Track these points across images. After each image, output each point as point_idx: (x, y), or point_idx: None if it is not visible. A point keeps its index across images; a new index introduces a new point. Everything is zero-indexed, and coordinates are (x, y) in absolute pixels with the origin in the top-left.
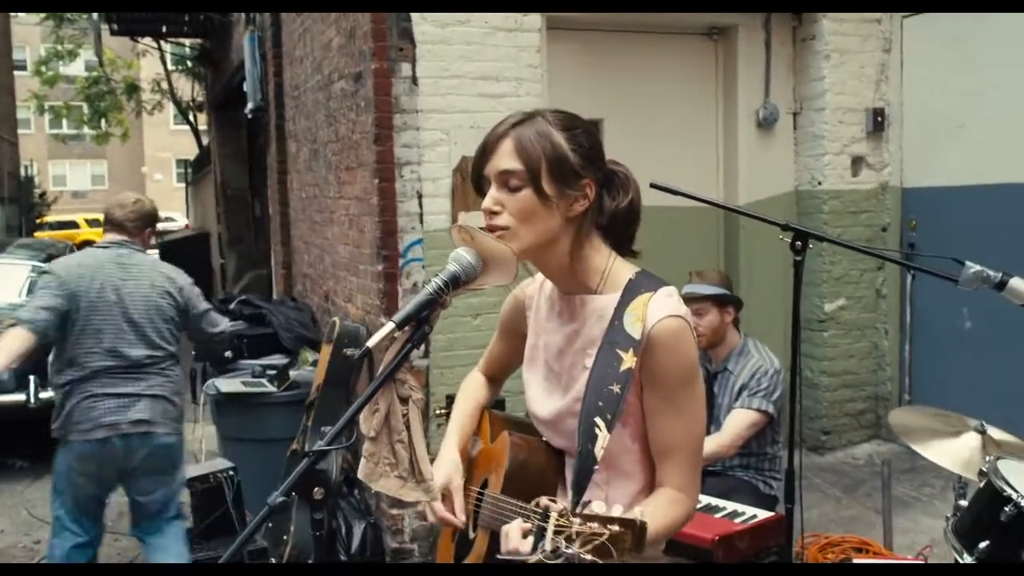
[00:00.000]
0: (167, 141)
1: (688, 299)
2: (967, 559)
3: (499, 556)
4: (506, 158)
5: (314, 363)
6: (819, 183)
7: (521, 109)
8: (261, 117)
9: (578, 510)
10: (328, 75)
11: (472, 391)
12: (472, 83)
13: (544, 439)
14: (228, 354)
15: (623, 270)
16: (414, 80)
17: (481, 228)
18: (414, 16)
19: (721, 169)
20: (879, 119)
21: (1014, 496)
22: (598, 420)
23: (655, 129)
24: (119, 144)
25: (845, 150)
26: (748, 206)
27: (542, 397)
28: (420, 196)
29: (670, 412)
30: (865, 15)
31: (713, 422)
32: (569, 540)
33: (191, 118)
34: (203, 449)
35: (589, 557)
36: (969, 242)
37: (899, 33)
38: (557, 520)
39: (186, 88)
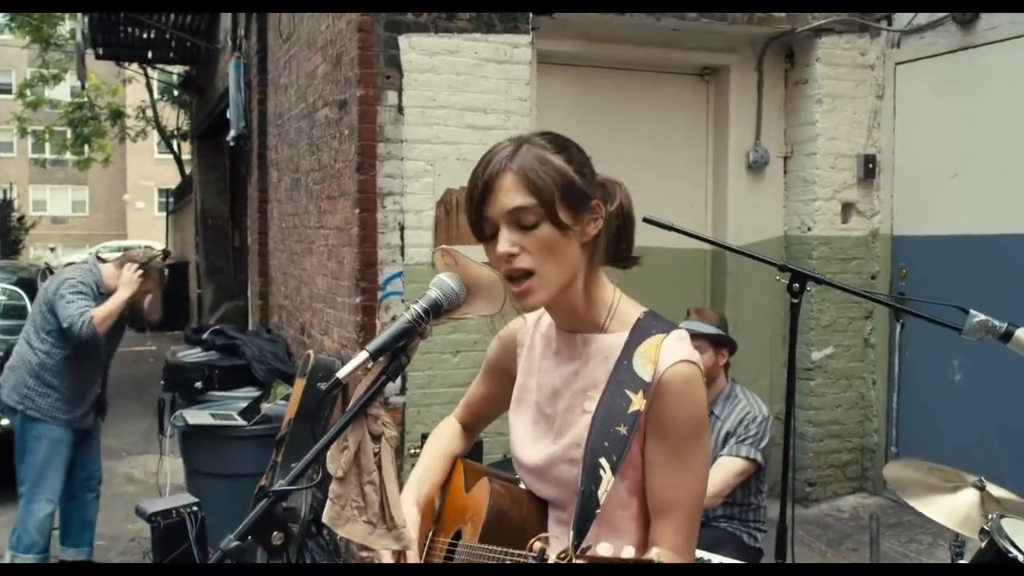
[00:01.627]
0: (150, 170)
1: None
2: None
3: None
4: (513, 195)
5: (286, 397)
6: (809, 228)
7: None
8: (244, 145)
9: (577, 554)
10: (312, 103)
11: (443, 441)
12: (459, 114)
13: (526, 489)
14: (198, 384)
15: (630, 308)
16: (400, 109)
17: (497, 273)
18: (402, 44)
19: (710, 211)
20: (870, 166)
21: (1020, 558)
22: (603, 461)
23: (644, 169)
24: (101, 171)
25: (836, 196)
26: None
27: (529, 442)
28: (402, 228)
29: (674, 465)
30: (859, 61)
31: None
32: None
33: (175, 147)
34: (168, 483)
35: None
36: (960, 292)
37: (892, 79)
38: (557, 562)
39: (171, 116)
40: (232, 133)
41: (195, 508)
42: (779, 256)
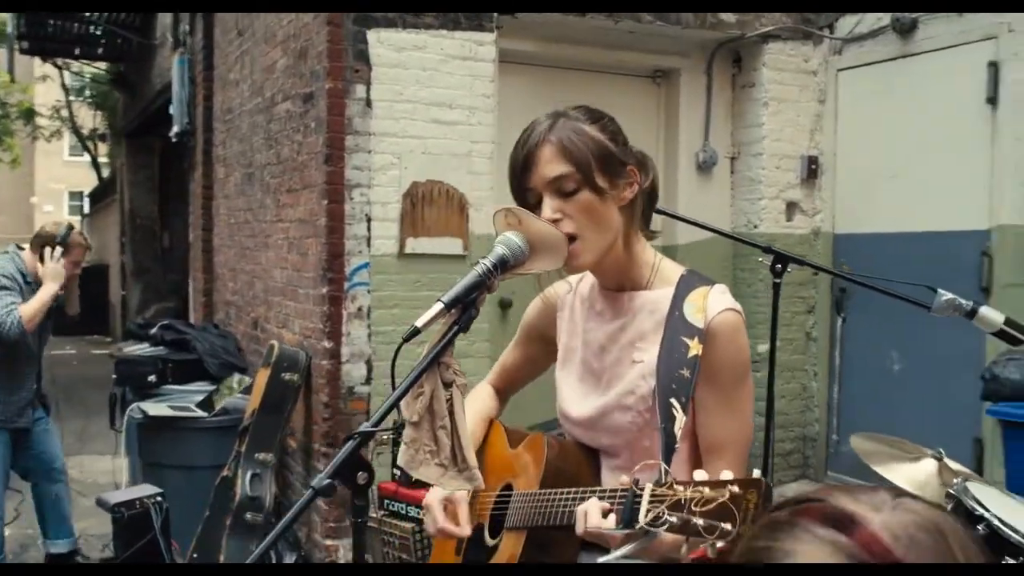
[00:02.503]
0: (61, 172)
1: None
2: None
3: (584, 533)
4: (553, 165)
5: (244, 390)
6: (755, 226)
7: (472, 138)
8: (187, 142)
9: (668, 482)
10: (271, 97)
11: (479, 404)
12: (426, 109)
13: (574, 441)
14: (152, 378)
15: (671, 267)
16: (368, 102)
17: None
18: (370, 39)
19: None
20: (813, 167)
21: (986, 515)
22: (673, 402)
23: None
24: (8, 172)
25: (780, 195)
26: (688, 246)
27: (577, 398)
28: (369, 219)
29: (724, 407)
30: (802, 67)
31: None
32: (676, 508)
33: (92, 148)
34: (124, 478)
35: (702, 521)
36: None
37: (834, 85)
38: (653, 491)
39: (87, 117)
40: (175, 129)
41: (159, 498)
42: (728, 252)
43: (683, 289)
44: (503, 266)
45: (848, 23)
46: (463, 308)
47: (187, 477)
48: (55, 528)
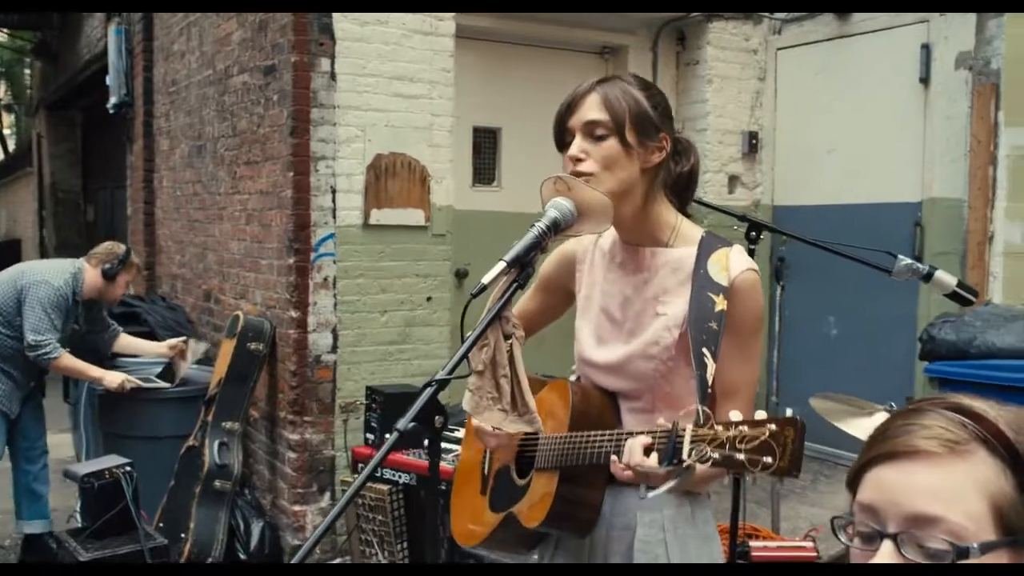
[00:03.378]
0: None
1: None
2: None
3: (621, 470)
4: (593, 110)
5: (198, 361)
6: (700, 199)
7: (433, 112)
8: (126, 113)
9: (707, 421)
10: (224, 69)
11: None
12: (388, 83)
13: (592, 384)
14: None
15: (691, 228)
16: (332, 76)
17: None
18: (334, 12)
19: None
20: (754, 142)
21: None
22: (705, 351)
23: (549, 141)
24: None
25: (723, 169)
26: None
27: (598, 344)
28: (334, 191)
29: (741, 355)
30: (743, 46)
31: None
32: (718, 445)
33: None
34: (84, 451)
35: (743, 456)
36: (836, 257)
37: (773, 63)
38: (695, 431)
39: None
40: (112, 101)
41: (128, 468)
42: None
43: (705, 249)
44: (555, 228)
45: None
46: (521, 267)
47: (149, 448)
48: (27, 507)
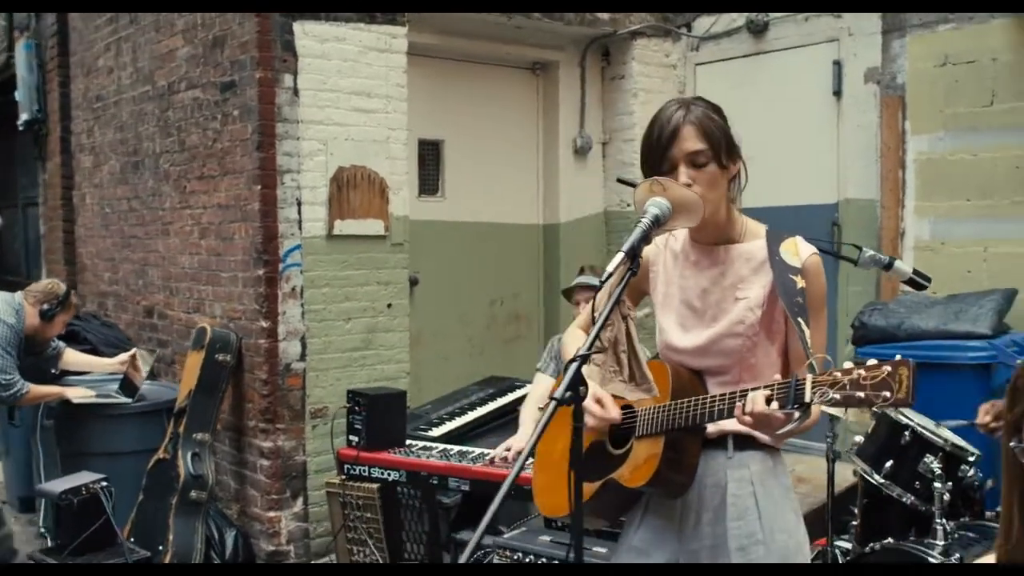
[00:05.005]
0: None
1: (583, 288)
2: (877, 477)
3: (742, 416)
4: (694, 141)
5: (148, 376)
6: (628, 205)
7: (389, 126)
8: (39, 130)
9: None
10: (168, 85)
11: (578, 342)
12: (348, 98)
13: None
14: (54, 371)
15: (755, 224)
16: (295, 91)
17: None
18: (296, 30)
19: (541, 191)
20: None
21: (911, 424)
22: (800, 320)
23: (487, 153)
24: None
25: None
26: (567, 224)
27: (682, 331)
28: (299, 203)
29: (814, 326)
30: (664, 61)
31: None
32: (840, 388)
33: None
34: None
35: (863, 394)
36: None
37: (693, 78)
38: (814, 379)
39: None
40: (24, 117)
41: (105, 483)
42: (601, 229)
43: (773, 240)
44: (657, 223)
45: (705, 23)
46: (633, 257)
47: (111, 464)
48: None
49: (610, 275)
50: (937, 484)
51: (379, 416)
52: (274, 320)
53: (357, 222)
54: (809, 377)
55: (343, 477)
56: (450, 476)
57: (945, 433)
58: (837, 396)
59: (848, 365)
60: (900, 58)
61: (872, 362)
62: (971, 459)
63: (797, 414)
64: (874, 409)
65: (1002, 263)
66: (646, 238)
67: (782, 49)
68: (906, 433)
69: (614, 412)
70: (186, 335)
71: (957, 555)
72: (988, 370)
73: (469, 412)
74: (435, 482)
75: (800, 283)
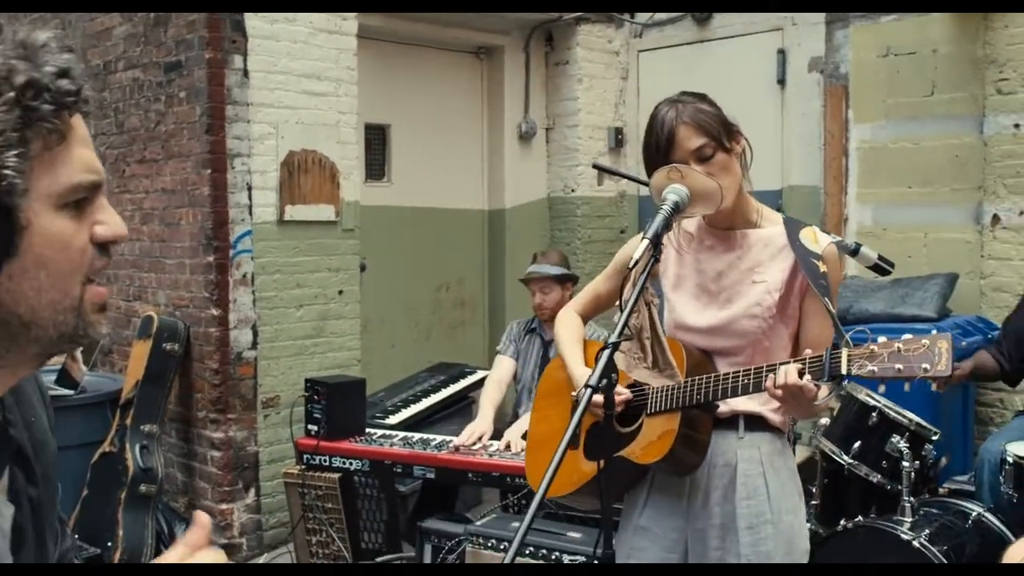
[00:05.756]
0: None
1: (534, 279)
2: (846, 458)
3: (774, 389)
4: (692, 139)
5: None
6: (572, 190)
7: (339, 109)
8: None
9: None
10: (104, 65)
11: (574, 325)
12: (298, 80)
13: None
14: None
15: (768, 210)
16: (245, 73)
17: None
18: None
19: (486, 176)
20: (619, 137)
21: (879, 405)
22: (827, 300)
23: (433, 138)
24: None
25: (593, 162)
26: (512, 210)
27: (695, 312)
28: (250, 188)
29: (826, 315)
30: (607, 47)
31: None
32: (878, 360)
33: None
34: None
35: (901, 365)
36: None
37: (636, 64)
38: (850, 352)
39: None
40: None
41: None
42: (545, 214)
43: (791, 227)
44: (677, 209)
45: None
46: (656, 244)
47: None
48: None
49: (637, 261)
50: (905, 463)
51: (338, 405)
52: (225, 308)
53: (308, 207)
54: (844, 350)
55: (302, 467)
56: (415, 464)
57: (909, 414)
58: (875, 368)
59: (882, 339)
60: (843, 48)
61: (908, 336)
62: (934, 438)
63: (826, 390)
64: (913, 381)
65: (942, 248)
66: (668, 225)
67: (726, 37)
68: (873, 414)
69: (624, 396)
70: (126, 324)
71: (926, 531)
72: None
73: (423, 399)
74: (399, 470)
75: (823, 267)
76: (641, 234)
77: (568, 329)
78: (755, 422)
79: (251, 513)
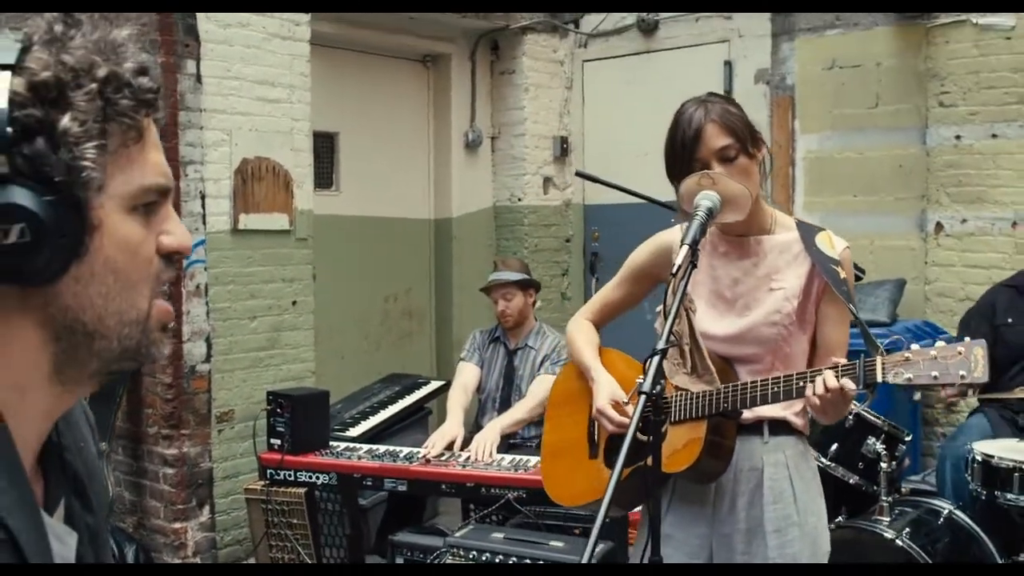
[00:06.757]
0: None
1: (497, 285)
2: (824, 460)
3: (813, 396)
4: (718, 138)
5: None
6: (519, 199)
7: (293, 116)
8: None
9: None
10: None
11: (590, 333)
12: (251, 86)
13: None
14: None
15: (783, 216)
16: (198, 78)
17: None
18: (198, 13)
19: (433, 185)
20: (564, 146)
21: (855, 408)
22: (851, 306)
23: (380, 146)
24: None
25: (539, 171)
26: (458, 219)
27: (712, 320)
28: (203, 196)
29: (842, 319)
30: (552, 57)
31: (515, 392)
32: (914, 367)
33: None
34: None
35: (937, 372)
36: None
37: (580, 74)
38: (884, 359)
39: None
40: None
41: None
42: (491, 224)
43: (806, 232)
44: (711, 215)
45: (593, 20)
46: (694, 250)
47: None
48: None
49: (679, 267)
50: (883, 464)
51: (303, 418)
52: (178, 320)
53: (262, 216)
54: (879, 358)
55: (265, 482)
56: (386, 477)
57: (881, 417)
58: (910, 375)
59: (915, 347)
60: (789, 60)
61: (941, 343)
62: (907, 439)
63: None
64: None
65: (887, 256)
66: (704, 231)
67: (673, 48)
68: (850, 417)
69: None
70: None
71: (906, 529)
72: None
73: (381, 411)
74: (369, 483)
75: (843, 273)
76: (650, 239)
77: (584, 337)
78: (779, 426)
79: (205, 531)
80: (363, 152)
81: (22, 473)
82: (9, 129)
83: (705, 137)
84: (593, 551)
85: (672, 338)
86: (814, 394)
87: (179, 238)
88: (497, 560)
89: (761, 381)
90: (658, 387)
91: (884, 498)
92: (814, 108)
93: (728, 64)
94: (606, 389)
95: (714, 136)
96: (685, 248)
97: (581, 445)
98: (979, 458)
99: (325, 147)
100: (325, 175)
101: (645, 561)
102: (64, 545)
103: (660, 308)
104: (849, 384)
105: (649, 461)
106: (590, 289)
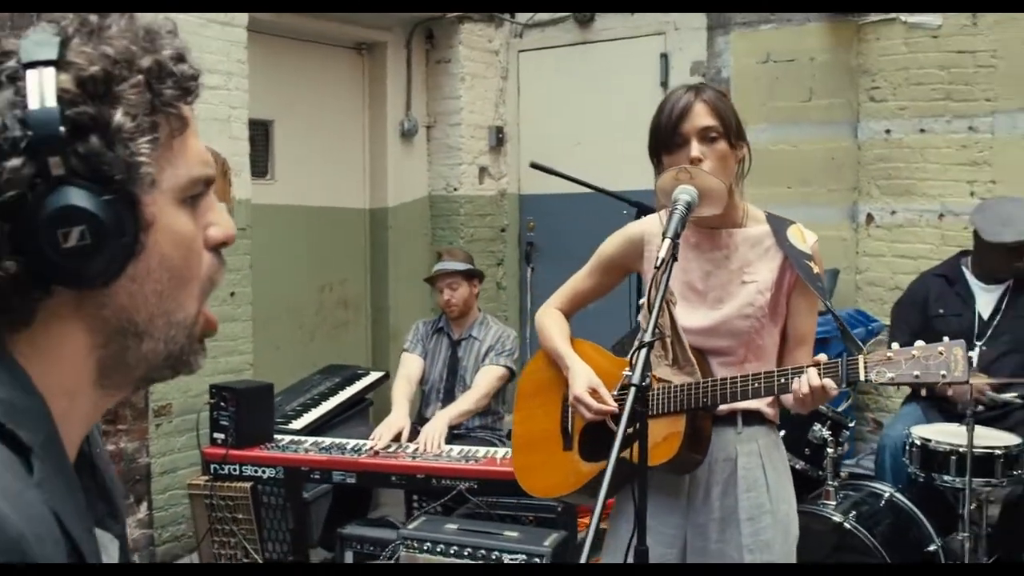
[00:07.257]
0: None
1: (442, 275)
2: (800, 464)
3: (801, 393)
4: (705, 117)
5: None
6: (455, 188)
7: (230, 104)
8: None
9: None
10: None
11: (561, 322)
12: None
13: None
14: None
15: (754, 209)
16: None
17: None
18: None
19: (368, 174)
20: (500, 136)
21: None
22: (828, 302)
23: (315, 135)
24: None
25: (475, 161)
26: (394, 208)
27: (686, 313)
28: None
29: (811, 310)
30: (488, 47)
31: (459, 383)
32: (895, 366)
33: None
34: None
35: (918, 371)
36: (579, 239)
37: (516, 64)
38: (866, 358)
39: None
40: None
41: None
42: (426, 213)
43: (777, 225)
44: (689, 209)
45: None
46: (675, 243)
47: None
48: None
49: (663, 261)
50: (830, 449)
51: (247, 411)
52: None
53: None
54: (861, 357)
55: (208, 477)
56: (334, 470)
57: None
58: (892, 374)
59: (896, 346)
60: (725, 53)
61: (920, 343)
62: (851, 425)
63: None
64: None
65: (820, 246)
66: (684, 224)
67: (609, 40)
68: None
69: (611, 403)
70: None
71: (852, 512)
72: (825, 344)
73: (323, 403)
74: (316, 476)
75: (816, 268)
76: (620, 230)
77: (556, 326)
78: (752, 417)
79: (143, 528)
80: (298, 141)
81: (76, 482)
82: (62, 128)
83: (692, 114)
84: (591, 552)
85: (659, 331)
86: (800, 391)
87: (224, 228)
88: (451, 551)
89: (742, 377)
90: (646, 380)
91: (830, 482)
92: (749, 101)
93: (664, 56)
94: (582, 377)
95: (701, 114)
96: (667, 242)
97: (554, 436)
98: (917, 442)
99: (260, 135)
100: (261, 164)
101: (630, 552)
102: (109, 556)
103: (643, 301)
104: (831, 384)
105: (634, 454)
106: (525, 279)
